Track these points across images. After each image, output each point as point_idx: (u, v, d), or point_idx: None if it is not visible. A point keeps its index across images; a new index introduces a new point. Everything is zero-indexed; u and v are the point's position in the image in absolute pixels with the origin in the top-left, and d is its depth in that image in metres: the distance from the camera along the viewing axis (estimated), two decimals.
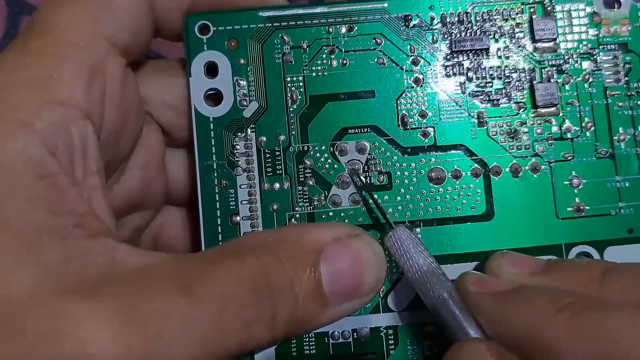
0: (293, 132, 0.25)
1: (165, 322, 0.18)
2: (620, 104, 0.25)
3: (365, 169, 0.25)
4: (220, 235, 0.25)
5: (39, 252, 0.17)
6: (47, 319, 0.16)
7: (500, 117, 0.25)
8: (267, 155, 0.25)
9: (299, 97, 0.25)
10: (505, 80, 0.26)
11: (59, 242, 0.18)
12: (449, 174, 0.25)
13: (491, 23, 0.26)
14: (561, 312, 0.18)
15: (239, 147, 0.25)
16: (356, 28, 0.26)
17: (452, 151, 0.25)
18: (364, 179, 0.25)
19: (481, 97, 0.26)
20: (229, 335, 0.19)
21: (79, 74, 0.20)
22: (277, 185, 0.25)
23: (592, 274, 0.20)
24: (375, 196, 0.25)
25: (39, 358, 0.16)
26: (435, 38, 0.26)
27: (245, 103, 0.25)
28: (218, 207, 0.25)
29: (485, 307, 0.20)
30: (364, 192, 0.25)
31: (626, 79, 0.26)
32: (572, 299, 0.18)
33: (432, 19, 0.26)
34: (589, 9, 0.26)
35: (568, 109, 0.25)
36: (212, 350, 0.19)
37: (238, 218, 0.25)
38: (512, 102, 0.26)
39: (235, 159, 0.25)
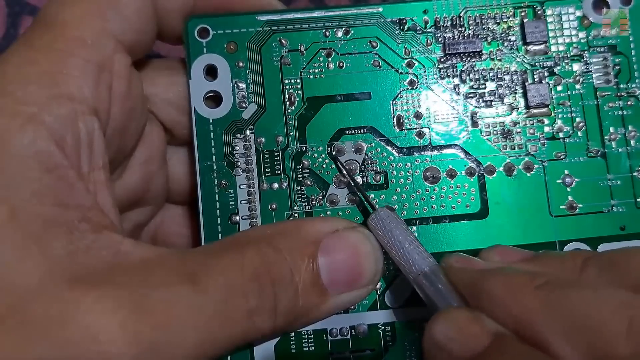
0: (291, 133, 0.26)
1: (172, 311, 0.18)
2: (610, 104, 0.26)
3: (362, 169, 0.26)
4: (220, 234, 0.25)
5: (46, 244, 0.18)
6: (56, 307, 0.17)
7: (494, 117, 0.26)
8: (266, 156, 0.26)
9: (297, 99, 0.26)
10: (498, 82, 0.26)
11: (65, 235, 0.18)
12: (444, 173, 0.26)
13: (484, 26, 0.26)
14: (539, 288, 0.18)
15: (238, 148, 0.26)
16: (352, 32, 0.26)
17: (447, 151, 0.26)
18: (360, 181, 0.26)
19: (474, 98, 0.26)
20: (233, 324, 0.19)
21: (86, 70, 0.20)
22: (275, 185, 0.26)
23: (574, 263, 0.21)
24: (351, 175, 0.25)
25: (49, 345, 0.16)
26: (429, 41, 0.26)
27: (244, 105, 0.26)
28: (218, 206, 0.25)
29: (467, 279, 0.21)
30: (351, 182, 0.25)
31: (616, 80, 0.26)
32: (550, 277, 0.19)
33: (426, 22, 0.26)
34: (578, 13, 0.26)
35: (560, 109, 0.26)
36: (217, 338, 0.19)
37: (237, 217, 0.25)
38: (504, 103, 0.26)
39: (235, 159, 0.25)
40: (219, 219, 0.25)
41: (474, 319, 0.19)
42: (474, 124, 0.26)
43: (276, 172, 0.26)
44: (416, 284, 0.22)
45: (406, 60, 0.26)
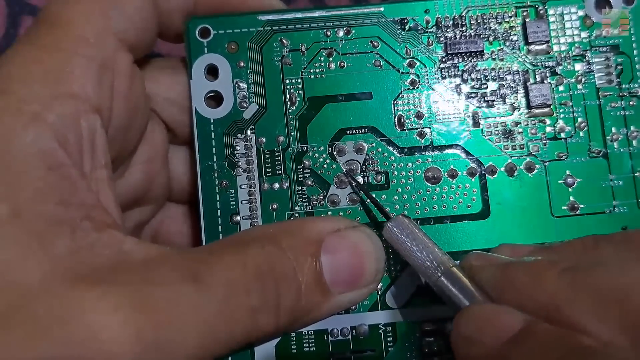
0: (292, 133, 0.26)
1: (174, 309, 0.18)
2: (612, 104, 0.26)
3: (363, 169, 0.26)
4: (220, 234, 0.25)
5: (49, 242, 0.18)
6: (58, 306, 0.17)
7: (495, 117, 0.26)
8: (267, 156, 0.26)
9: (298, 99, 0.26)
10: (500, 82, 0.26)
11: (68, 234, 0.18)
12: (445, 174, 0.26)
13: (485, 26, 0.26)
14: (563, 272, 0.18)
15: (239, 147, 0.26)
16: (353, 31, 0.26)
17: (448, 151, 0.26)
18: (360, 180, 0.25)
19: (476, 98, 0.26)
20: (236, 322, 0.19)
21: (89, 69, 0.20)
22: (276, 185, 0.25)
23: (584, 245, 0.21)
24: (370, 193, 0.25)
25: (51, 343, 0.16)
26: (430, 41, 0.26)
27: (245, 105, 0.26)
28: (219, 206, 0.25)
29: (489, 275, 0.21)
30: (359, 190, 0.25)
31: (618, 80, 0.26)
32: (571, 262, 0.19)
33: (428, 22, 0.26)
34: (580, 12, 0.26)
35: (561, 109, 0.26)
36: (219, 336, 0.19)
37: (238, 217, 0.25)
38: (506, 103, 0.26)
39: (236, 159, 0.25)
40: (219, 219, 0.25)
41: (501, 309, 0.19)
42: (476, 124, 0.26)
43: (277, 172, 0.26)
44: (437, 286, 0.22)
45: (407, 60, 0.26)
